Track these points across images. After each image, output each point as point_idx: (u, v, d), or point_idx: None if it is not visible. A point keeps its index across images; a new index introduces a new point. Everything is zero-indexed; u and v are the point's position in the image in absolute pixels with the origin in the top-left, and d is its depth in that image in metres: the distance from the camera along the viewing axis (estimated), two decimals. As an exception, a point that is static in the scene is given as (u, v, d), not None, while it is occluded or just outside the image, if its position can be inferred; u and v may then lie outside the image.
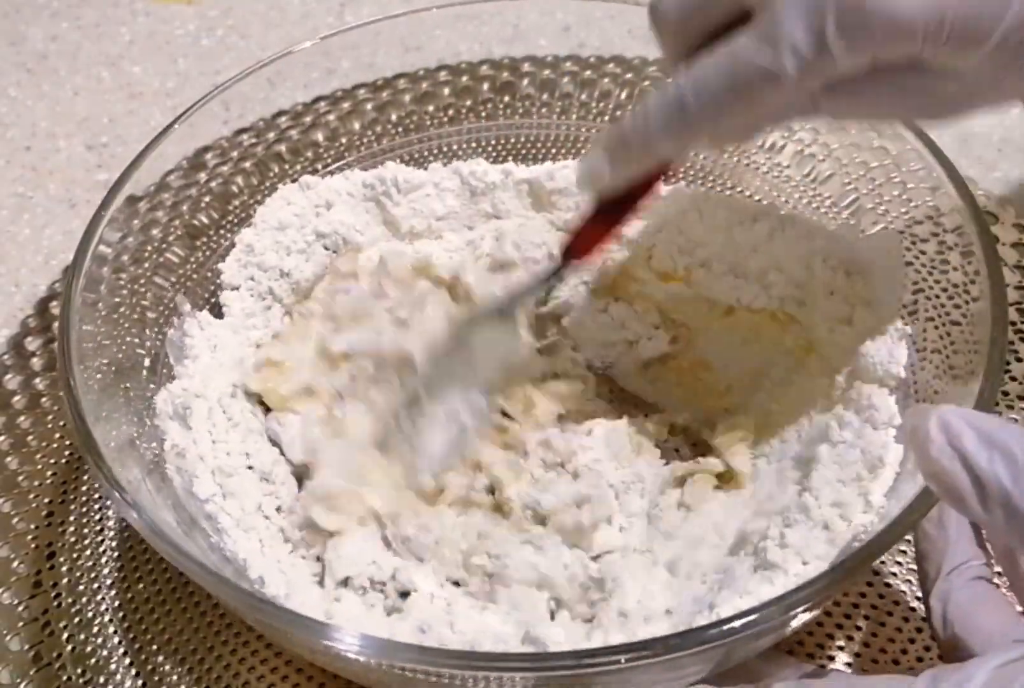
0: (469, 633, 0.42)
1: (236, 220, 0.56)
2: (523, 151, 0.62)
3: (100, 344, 0.46)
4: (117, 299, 0.48)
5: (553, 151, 0.62)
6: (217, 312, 0.53)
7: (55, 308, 0.63)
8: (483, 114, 0.63)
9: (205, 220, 0.55)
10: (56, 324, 0.62)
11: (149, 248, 0.51)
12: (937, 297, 0.46)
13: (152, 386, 0.48)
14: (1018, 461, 0.30)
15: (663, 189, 0.50)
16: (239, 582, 0.39)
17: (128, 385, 0.47)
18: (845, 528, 0.40)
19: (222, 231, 0.55)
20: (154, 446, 0.45)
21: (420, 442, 0.48)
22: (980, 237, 0.43)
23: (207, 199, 0.55)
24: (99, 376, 0.44)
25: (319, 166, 0.59)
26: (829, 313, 0.49)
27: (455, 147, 0.61)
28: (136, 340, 0.49)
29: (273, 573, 0.42)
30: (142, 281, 0.51)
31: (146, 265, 0.51)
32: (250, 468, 0.48)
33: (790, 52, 0.34)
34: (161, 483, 0.44)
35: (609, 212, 0.44)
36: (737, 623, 0.33)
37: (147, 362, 0.49)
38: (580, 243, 0.45)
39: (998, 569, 0.41)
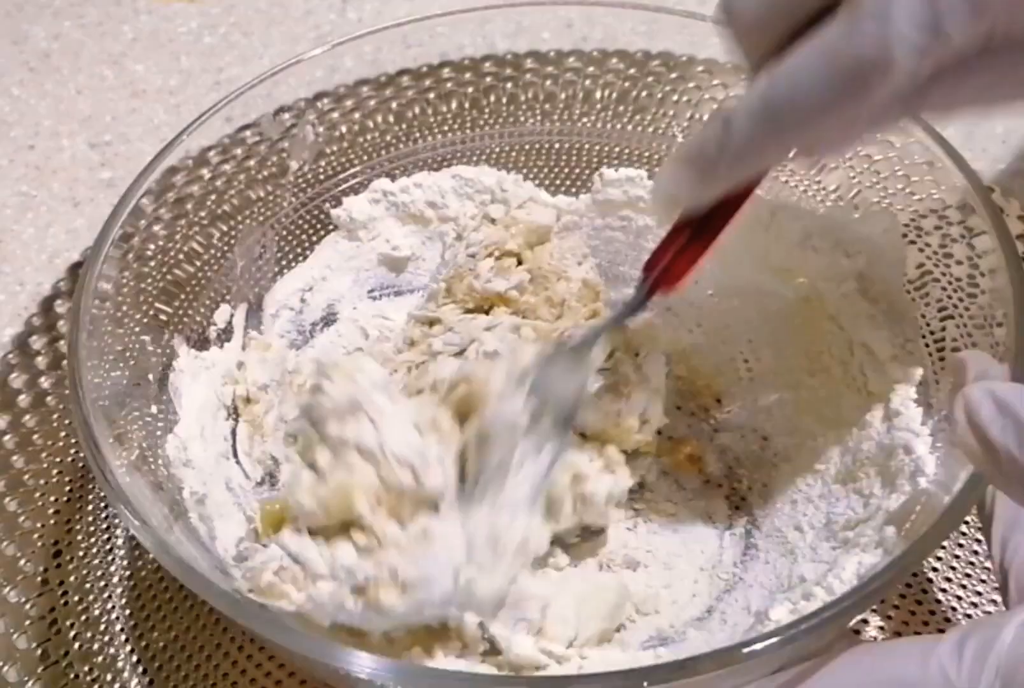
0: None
1: (240, 217, 0.56)
2: (527, 149, 0.62)
3: (107, 357, 0.46)
4: (125, 307, 0.48)
5: (557, 147, 0.62)
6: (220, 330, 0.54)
7: (60, 307, 0.63)
8: (487, 110, 0.63)
9: (209, 217, 0.55)
10: (61, 323, 0.62)
11: (152, 246, 0.51)
12: (948, 282, 0.46)
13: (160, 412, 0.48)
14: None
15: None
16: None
17: (138, 409, 0.46)
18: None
19: (224, 226, 0.55)
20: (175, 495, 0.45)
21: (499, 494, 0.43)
22: (993, 222, 0.43)
23: (212, 197, 0.55)
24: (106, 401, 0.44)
25: (323, 163, 0.59)
26: (833, 290, 0.50)
27: (459, 143, 0.61)
28: (145, 350, 0.49)
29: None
30: (148, 280, 0.50)
31: (151, 264, 0.51)
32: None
33: (899, 33, 0.30)
34: (187, 531, 0.43)
35: (697, 232, 0.40)
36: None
37: (153, 380, 0.49)
38: (669, 268, 0.41)
39: None
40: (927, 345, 0.46)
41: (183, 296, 0.52)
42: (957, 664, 0.30)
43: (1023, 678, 0.29)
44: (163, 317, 0.51)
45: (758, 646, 0.32)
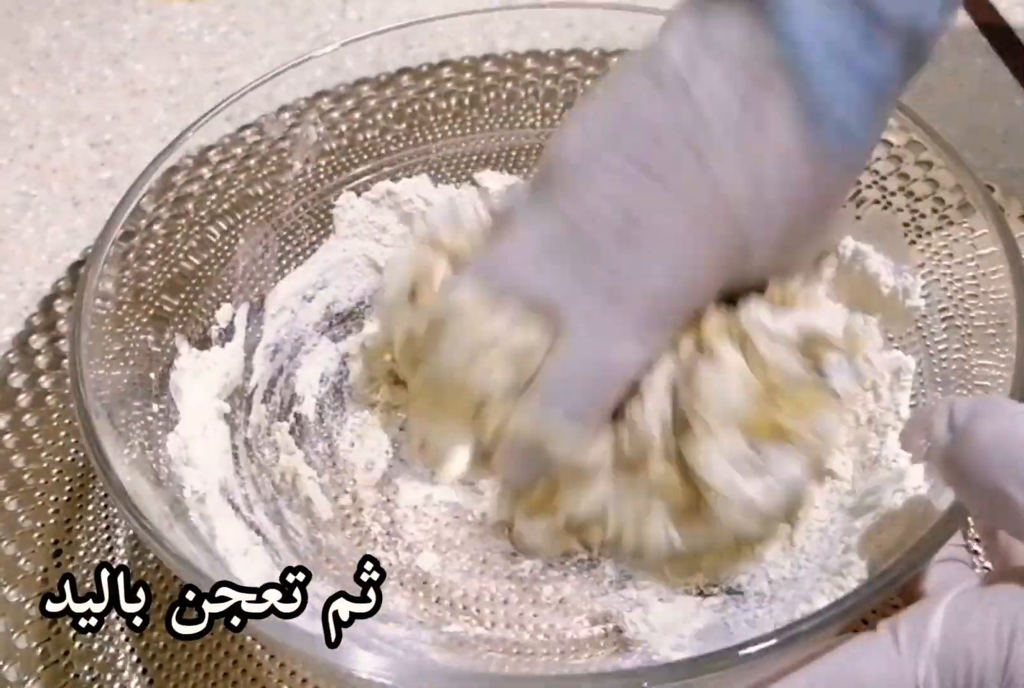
0: None
1: (241, 217, 0.56)
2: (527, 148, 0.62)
3: (108, 356, 0.45)
4: (125, 306, 0.48)
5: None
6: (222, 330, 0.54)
7: (60, 306, 0.63)
8: (487, 109, 0.63)
9: (209, 216, 0.55)
10: (61, 322, 0.62)
11: (152, 246, 0.51)
12: (948, 283, 0.46)
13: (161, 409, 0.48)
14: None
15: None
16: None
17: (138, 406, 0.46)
18: None
19: (225, 226, 0.55)
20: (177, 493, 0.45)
21: None
22: (994, 222, 0.43)
23: (212, 196, 0.55)
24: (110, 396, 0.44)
25: (323, 163, 0.59)
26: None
27: (460, 143, 0.61)
28: (146, 349, 0.49)
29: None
30: (149, 279, 0.50)
31: (152, 263, 0.51)
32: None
33: None
34: (188, 530, 0.43)
35: None
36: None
37: (154, 384, 0.49)
38: None
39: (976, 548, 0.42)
40: (927, 347, 0.46)
41: (184, 295, 0.52)
42: (896, 655, 0.31)
43: (958, 661, 0.30)
44: (164, 316, 0.51)
45: (753, 649, 0.32)
